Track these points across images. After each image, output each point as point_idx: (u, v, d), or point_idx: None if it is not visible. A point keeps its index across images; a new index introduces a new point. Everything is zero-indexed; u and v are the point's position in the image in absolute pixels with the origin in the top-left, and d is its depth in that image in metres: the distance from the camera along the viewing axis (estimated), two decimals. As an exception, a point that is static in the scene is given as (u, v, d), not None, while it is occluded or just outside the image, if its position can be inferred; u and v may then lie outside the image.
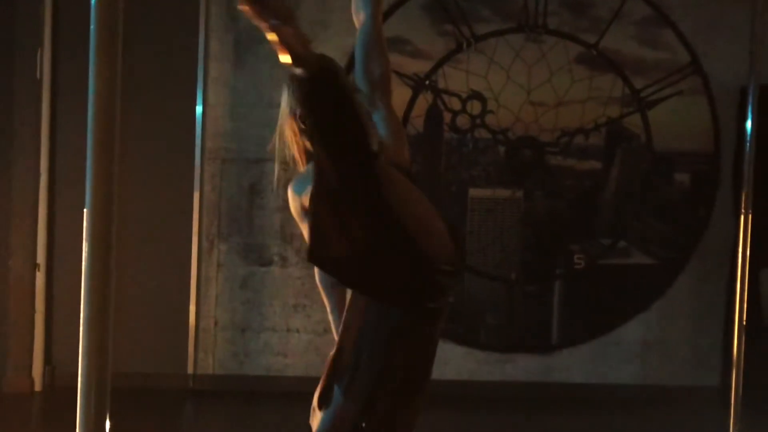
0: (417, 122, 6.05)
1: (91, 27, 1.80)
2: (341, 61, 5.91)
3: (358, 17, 3.27)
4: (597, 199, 6.18)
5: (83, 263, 1.88)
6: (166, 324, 6.02)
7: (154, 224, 6.02)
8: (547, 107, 6.12)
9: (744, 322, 4.70)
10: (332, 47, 5.97)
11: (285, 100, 3.01)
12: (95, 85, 1.77)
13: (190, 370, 6.03)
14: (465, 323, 6.13)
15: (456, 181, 6.10)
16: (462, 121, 6.08)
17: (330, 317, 3.17)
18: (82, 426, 1.85)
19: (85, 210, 1.85)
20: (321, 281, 3.14)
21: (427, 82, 6.04)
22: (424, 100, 6.05)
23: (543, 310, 6.18)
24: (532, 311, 6.18)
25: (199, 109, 5.99)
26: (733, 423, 4.65)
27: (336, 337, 2.96)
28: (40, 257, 5.91)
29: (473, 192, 6.11)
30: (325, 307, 3.20)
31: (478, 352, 6.13)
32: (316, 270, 3.11)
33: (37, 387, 5.81)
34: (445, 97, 6.06)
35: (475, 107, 6.09)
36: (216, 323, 6.05)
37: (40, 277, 5.90)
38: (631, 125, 6.16)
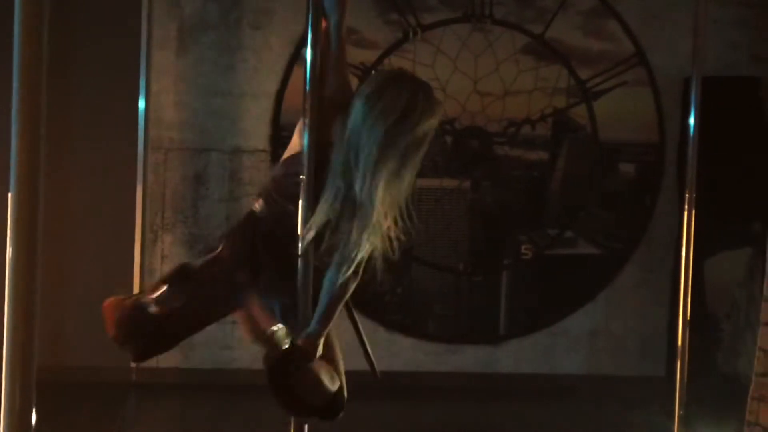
0: (364, 112, 5.99)
1: (16, 14, 1.75)
2: (287, 51, 5.90)
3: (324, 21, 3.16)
4: (544, 189, 6.20)
5: (8, 253, 1.82)
6: (110, 316, 5.92)
7: (97, 216, 5.92)
8: (494, 97, 6.12)
9: (688, 316, 4.73)
10: (277, 36, 5.93)
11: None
12: (20, 68, 1.72)
13: (133, 363, 5.93)
14: (413, 314, 6.12)
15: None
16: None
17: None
18: (6, 418, 1.81)
19: (9, 195, 1.80)
20: None
21: (373, 72, 6.00)
22: (370, 90, 6.01)
23: (490, 300, 6.19)
24: (480, 302, 6.19)
25: (141, 98, 5.90)
26: (678, 413, 4.68)
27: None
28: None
29: (420, 182, 6.06)
30: None
31: (425, 343, 6.12)
32: None
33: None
34: (392, 87, 6.02)
35: (421, 97, 6.05)
36: (160, 315, 5.96)
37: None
38: (577, 116, 6.18)
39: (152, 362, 5.89)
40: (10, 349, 1.84)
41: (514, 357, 6.19)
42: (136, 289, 5.92)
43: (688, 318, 4.74)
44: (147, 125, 5.91)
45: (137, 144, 5.90)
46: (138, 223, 5.92)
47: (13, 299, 1.81)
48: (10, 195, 1.80)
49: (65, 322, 5.94)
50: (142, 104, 5.90)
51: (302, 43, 3.63)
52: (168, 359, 5.95)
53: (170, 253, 5.95)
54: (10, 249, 1.82)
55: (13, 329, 1.81)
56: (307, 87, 2.88)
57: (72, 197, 5.85)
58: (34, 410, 1.89)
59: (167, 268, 5.88)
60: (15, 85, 1.72)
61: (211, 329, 2.94)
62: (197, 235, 5.90)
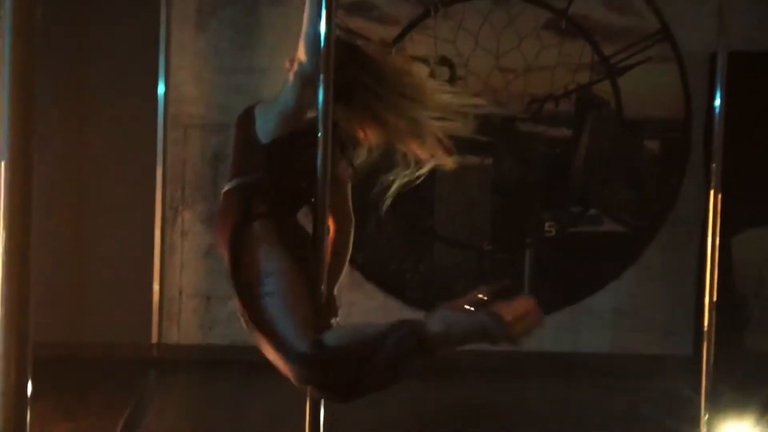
0: (385, 88, 5.95)
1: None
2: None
3: None
4: (567, 166, 6.14)
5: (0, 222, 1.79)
6: (131, 293, 5.94)
7: (117, 193, 5.92)
8: (517, 73, 6.06)
9: (715, 295, 4.67)
10: (296, 11, 5.87)
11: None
12: (12, 33, 1.69)
13: (154, 339, 5.95)
14: (434, 292, 6.08)
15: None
16: (430, 87, 5.99)
17: None
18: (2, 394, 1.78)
19: (2, 163, 1.76)
20: None
21: (394, 49, 5.95)
22: (391, 66, 5.95)
23: (513, 278, 6.14)
24: (503, 279, 6.12)
25: (161, 75, 5.88)
26: (705, 393, 4.61)
27: None
28: None
29: (442, 159, 6.03)
30: None
31: (448, 321, 6.07)
32: None
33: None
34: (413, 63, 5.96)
35: (443, 73, 6.01)
36: (181, 292, 5.98)
37: None
38: (601, 92, 6.11)
39: (173, 338, 5.96)
40: (4, 324, 1.81)
41: (538, 335, 6.11)
42: (156, 267, 5.92)
43: (715, 297, 4.68)
44: (166, 102, 5.89)
45: (157, 121, 5.89)
46: (158, 200, 5.91)
47: (6, 273, 1.78)
48: (2, 164, 1.77)
49: (86, 299, 5.95)
50: (161, 81, 5.89)
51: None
52: (189, 336, 5.97)
53: (190, 230, 5.94)
54: (3, 222, 1.79)
55: (8, 302, 1.77)
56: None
57: (93, 175, 5.85)
58: (29, 386, 1.85)
59: (187, 244, 5.89)
60: (7, 52, 1.69)
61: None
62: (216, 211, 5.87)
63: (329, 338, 2.62)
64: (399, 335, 2.60)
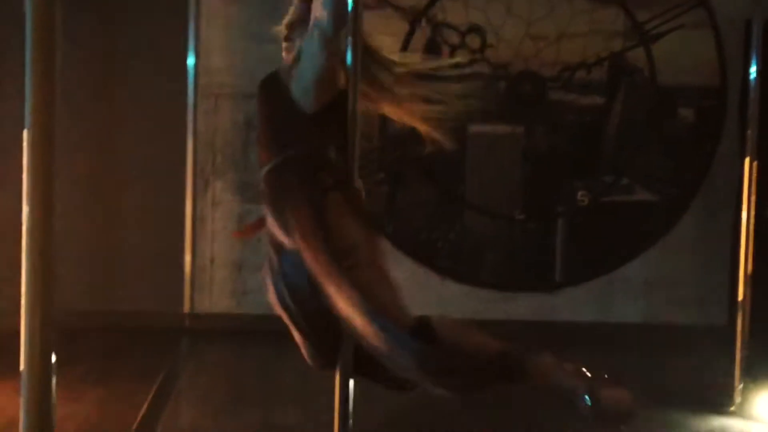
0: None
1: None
2: None
3: None
4: (599, 135, 6.08)
5: (24, 192, 1.79)
6: (163, 263, 5.97)
7: (148, 163, 5.95)
8: (548, 41, 5.99)
9: (750, 268, 4.63)
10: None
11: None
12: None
13: (186, 308, 5.98)
14: (465, 261, 6.07)
15: (455, 117, 5.96)
16: (461, 55, 5.94)
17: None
18: (27, 363, 1.79)
19: (24, 132, 1.76)
20: None
21: (424, 16, 5.91)
22: (421, 34, 5.92)
23: (545, 247, 6.11)
24: (534, 249, 6.11)
25: (191, 45, 5.87)
26: (739, 362, 4.59)
27: None
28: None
29: (472, 128, 6.00)
30: None
31: (479, 291, 6.07)
32: None
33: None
34: (444, 31, 5.93)
35: (474, 41, 5.96)
36: (212, 261, 6.00)
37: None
38: (634, 59, 6.03)
39: (205, 308, 5.98)
40: (28, 294, 1.81)
41: (570, 305, 6.12)
42: (188, 237, 5.94)
43: (750, 267, 4.63)
44: (197, 72, 5.89)
45: (187, 90, 5.89)
46: (189, 169, 5.92)
47: (29, 242, 1.78)
48: (24, 132, 1.76)
49: (120, 268, 5.98)
50: (191, 51, 5.88)
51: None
52: (220, 305, 5.99)
53: (221, 200, 5.95)
54: (25, 190, 1.79)
55: (31, 272, 1.77)
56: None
57: (123, 145, 5.87)
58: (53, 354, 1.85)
59: (218, 214, 5.90)
60: (28, 15, 1.68)
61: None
62: (248, 181, 5.87)
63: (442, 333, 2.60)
64: (514, 362, 2.60)
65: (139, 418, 3.98)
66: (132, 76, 5.88)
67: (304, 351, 2.88)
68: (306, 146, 2.78)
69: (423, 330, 2.58)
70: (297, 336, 2.83)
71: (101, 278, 5.96)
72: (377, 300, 2.58)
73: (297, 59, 2.82)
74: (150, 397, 4.36)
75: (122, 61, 5.92)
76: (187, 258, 5.96)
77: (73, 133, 5.75)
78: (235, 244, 5.95)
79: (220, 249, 5.98)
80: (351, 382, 2.83)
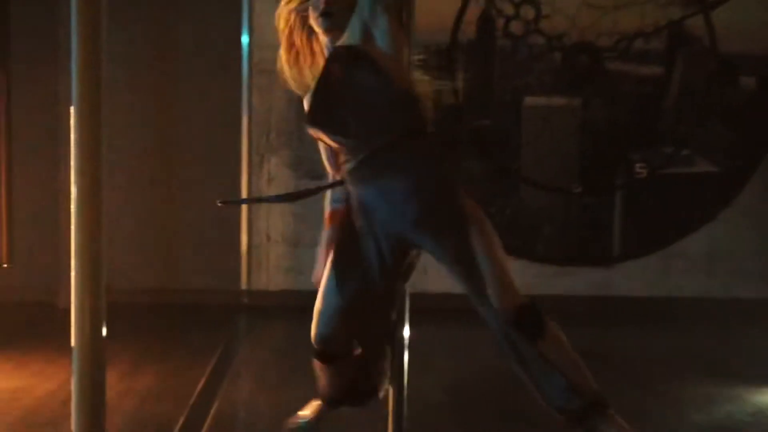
0: (469, 29, 5.89)
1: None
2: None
3: None
4: (658, 105, 5.99)
5: (72, 172, 1.79)
6: (219, 240, 6.00)
7: (204, 140, 5.98)
8: (605, 10, 5.90)
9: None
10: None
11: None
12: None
13: (243, 285, 6.01)
14: (522, 235, 6.02)
15: (510, 90, 5.93)
16: (515, 26, 5.90)
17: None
18: (77, 340, 1.80)
19: (71, 108, 1.76)
20: None
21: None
22: (476, 6, 5.88)
23: (603, 221, 6.05)
24: (592, 223, 6.05)
25: (245, 21, 5.88)
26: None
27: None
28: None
29: (528, 100, 5.95)
30: None
31: (535, 265, 6.02)
32: None
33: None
34: (498, 2, 5.87)
35: (528, 12, 5.90)
36: (268, 238, 6.02)
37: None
38: (693, 27, 5.92)
39: (262, 285, 6.00)
40: (78, 267, 1.81)
41: (629, 279, 6.05)
42: (244, 214, 5.97)
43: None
44: (251, 49, 5.89)
45: (242, 67, 5.90)
46: (244, 146, 5.94)
47: (78, 214, 1.78)
48: (72, 109, 1.76)
49: (176, 245, 6.03)
50: (245, 28, 5.89)
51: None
52: (277, 282, 6.01)
53: (276, 175, 5.97)
54: (73, 167, 1.79)
55: (80, 249, 1.77)
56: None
57: (180, 122, 5.90)
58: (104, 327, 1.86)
59: (274, 190, 5.91)
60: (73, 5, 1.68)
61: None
62: (302, 156, 5.88)
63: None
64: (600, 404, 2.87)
65: (196, 393, 4.01)
66: (186, 53, 5.91)
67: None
68: (419, 126, 2.84)
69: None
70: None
71: (159, 256, 6.02)
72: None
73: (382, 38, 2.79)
74: (207, 372, 4.39)
75: (176, 39, 5.95)
76: (244, 235, 5.98)
77: (130, 112, 5.80)
78: (290, 221, 5.96)
79: (276, 226, 6.00)
80: (405, 355, 2.84)
